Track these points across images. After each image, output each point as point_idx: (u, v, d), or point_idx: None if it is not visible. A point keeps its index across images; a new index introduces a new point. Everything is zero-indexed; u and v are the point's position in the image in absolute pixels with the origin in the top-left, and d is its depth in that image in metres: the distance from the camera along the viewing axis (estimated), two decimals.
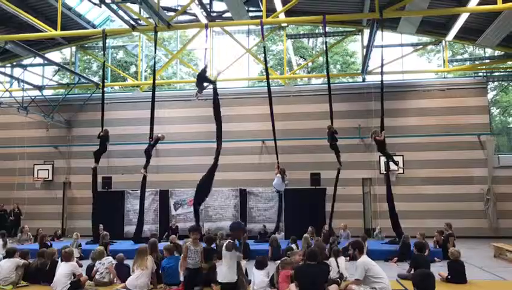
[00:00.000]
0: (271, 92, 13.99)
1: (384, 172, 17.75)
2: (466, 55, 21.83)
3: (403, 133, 18.53)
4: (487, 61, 19.75)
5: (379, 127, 14.16)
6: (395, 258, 12.22)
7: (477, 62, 20.11)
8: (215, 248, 11.40)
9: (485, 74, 19.44)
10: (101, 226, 15.35)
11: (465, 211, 17.93)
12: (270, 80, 14.52)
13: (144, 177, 14.68)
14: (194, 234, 8.12)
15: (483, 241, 15.86)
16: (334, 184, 14.58)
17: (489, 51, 19.78)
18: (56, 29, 15.57)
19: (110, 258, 8.87)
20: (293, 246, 11.88)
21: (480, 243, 15.68)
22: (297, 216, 17.07)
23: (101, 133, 14.75)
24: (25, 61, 21.93)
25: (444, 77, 20.10)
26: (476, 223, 17.92)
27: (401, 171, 18.00)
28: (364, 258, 7.08)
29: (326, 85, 14.05)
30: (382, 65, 14.28)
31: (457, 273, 8.75)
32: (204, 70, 13.18)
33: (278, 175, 14.21)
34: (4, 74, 19.77)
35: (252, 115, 19.43)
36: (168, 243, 11.01)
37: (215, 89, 12.43)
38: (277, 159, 14.42)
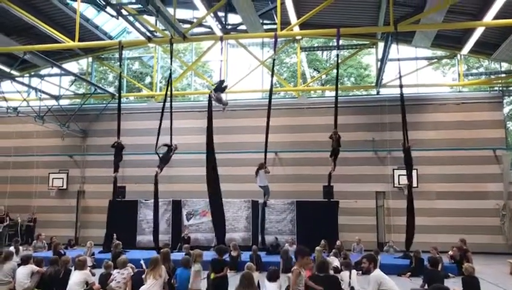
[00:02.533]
0: (271, 104, 13.58)
1: (400, 185, 17.74)
2: (481, 69, 21.68)
3: (417, 146, 18.34)
4: (503, 75, 19.59)
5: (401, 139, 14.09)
6: (408, 273, 12.08)
7: (492, 76, 19.95)
8: (227, 259, 11.41)
9: (500, 88, 19.27)
10: (114, 235, 15.45)
11: (481, 227, 17.66)
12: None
13: (156, 175, 14.52)
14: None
15: (499, 257, 15.60)
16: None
17: (505, 65, 19.62)
18: (74, 40, 15.85)
19: (130, 269, 8.85)
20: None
21: (496, 259, 15.43)
22: (309, 229, 16.98)
23: (115, 143, 14.91)
24: (43, 71, 22.30)
25: (459, 91, 19.96)
26: (491, 239, 17.63)
27: (414, 185, 17.86)
28: (377, 272, 7.02)
29: (340, 98, 14.03)
30: (400, 77, 14.13)
31: (471, 289, 8.62)
32: (221, 83, 13.40)
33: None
34: (22, 83, 20.11)
35: (264, 127, 19.45)
36: (183, 254, 11.07)
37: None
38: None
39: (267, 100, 13.76)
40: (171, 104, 14.53)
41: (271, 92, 14.01)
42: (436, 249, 12.65)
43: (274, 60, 14.81)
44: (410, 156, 14.07)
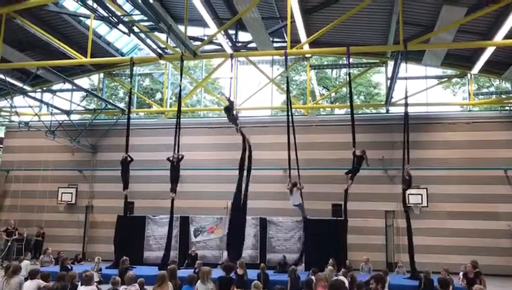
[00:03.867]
0: (293, 122, 14.07)
1: (409, 205, 17.55)
2: (492, 89, 21.60)
3: (427, 165, 18.23)
4: None
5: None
6: None
7: (503, 96, 19.84)
8: (233, 277, 11.32)
9: (511, 108, 19.14)
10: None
11: (492, 248, 17.38)
12: (292, 110, 14.67)
13: (172, 200, 14.79)
14: None
15: (511, 280, 15.33)
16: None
17: None
18: (86, 57, 16.06)
19: (137, 285, 8.77)
20: (313, 277, 11.67)
21: (508, 281, 15.16)
22: (317, 248, 16.79)
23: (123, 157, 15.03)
24: (55, 87, 22.59)
25: (470, 110, 19.86)
26: (503, 261, 17.30)
27: (424, 204, 17.75)
28: None
29: (349, 115, 14.06)
30: (406, 97, 14.20)
31: None
32: (231, 103, 13.59)
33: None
34: (34, 98, 20.37)
35: (274, 144, 19.45)
36: (193, 270, 11.01)
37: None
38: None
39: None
40: (178, 120, 14.58)
41: (288, 108, 14.29)
42: (447, 271, 12.43)
43: (287, 77, 14.96)
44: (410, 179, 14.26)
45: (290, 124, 14.05)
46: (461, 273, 12.97)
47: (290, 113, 14.16)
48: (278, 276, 13.95)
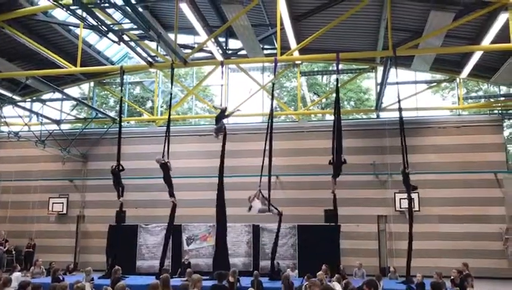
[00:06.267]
0: (272, 128, 13.90)
1: (401, 209, 17.66)
2: (481, 93, 21.78)
3: (417, 169, 18.26)
4: (502, 98, 19.67)
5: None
6: None
7: (492, 100, 20.03)
8: (225, 285, 11.25)
9: (500, 112, 19.33)
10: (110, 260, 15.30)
11: (483, 251, 17.47)
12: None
13: (174, 206, 14.60)
14: None
15: (503, 282, 15.41)
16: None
17: (504, 89, 19.73)
18: (76, 66, 16.02)
19: None
20: (306, 283, 11.66)
21: (500, 284, 15.23)
22: (310, 253, 16.80)
23: (114, 167, 14.83)
24: (44, 96, 22.44)
25: (459, 114, 20.02)
26: (494, 264, 17.41)
27: (416, 208, 17.82)
28: None
29: (333, 121, 13.93)
30: (399, 101, 14.23)
31: None
32: (223, 112, 13.55)
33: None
34: (24, 108, 20.22)
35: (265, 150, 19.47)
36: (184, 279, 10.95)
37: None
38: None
39: (267, 124, 13.84)
40: (168, 128, 14.47)
41: (271, 115, 14.06)
42: (439, 275, 12.46)
43: (274, 84, 15.00)
44: (408, 180, 14.07)
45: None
46: (452, 276, 13.06)
47: (271, 119, 14.05)
48: (271, 283, 13.89)
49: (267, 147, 13.67)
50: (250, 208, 13.92)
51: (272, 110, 14.22)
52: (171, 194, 14.39)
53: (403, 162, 13.92)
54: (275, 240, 15.02)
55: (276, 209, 14.09)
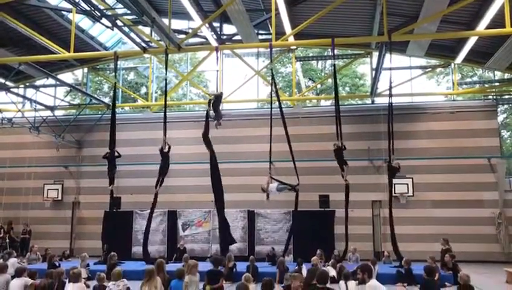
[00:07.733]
0: (283, 114, 14.03)
1: (395, 194, 17.78)
2: (475, 78, 21.82)
3: (412, 155, 18.39)
4: (497, 84, 19.71)
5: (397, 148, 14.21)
6: (399, 283, 12.12)
7: (486, 85, 20.08)
8: (221, 270, 11.35)
9: (494, 97, 19.38)
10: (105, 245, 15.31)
11: (476, 235, 17.66)
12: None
13: (156, 195, 14.56)
14: None
15: (495, 266, 15.57)
16: (345, 204, 14.38)
17: (498, 74, 19.78)
18: (69, 51, 15.87)
19: (126, 281, 8.71)
20: (301, 267, 11.84)
21: (492, 268, 15.41)
22: (305, 239, 16.90)
23: (107, 154, 14.71)
24: (38, 82, 22.27)
25: (453, 100, 20.04)
26: (487, 248, 17.64)
27: (410, 193, 17.99)
28: (372, 282, 6.98)
29: (335, 107, 14.08)
30: (390, 88, 14.32)
31: None
32: (219, 97, 13.46)
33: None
34: (17, 94, 20.07)
35: (260, 136, 19.45)
36: (181, 265, 11.01)
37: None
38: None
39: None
40: (165, 114, 14.43)
41: (272, 100, 14.33)
42: (433, 259, 12.63)
43: (272, 69, 14.92)
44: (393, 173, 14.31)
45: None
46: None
47: (280, 105, 14.12)
48: (267, 268, 14.02)
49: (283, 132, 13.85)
50: (268, 196, 14.01)
51: (274, 95, 14.34)
52: (159, 184, 14.27)
53: (388, 149, 14.00)
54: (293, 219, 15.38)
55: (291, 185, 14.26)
